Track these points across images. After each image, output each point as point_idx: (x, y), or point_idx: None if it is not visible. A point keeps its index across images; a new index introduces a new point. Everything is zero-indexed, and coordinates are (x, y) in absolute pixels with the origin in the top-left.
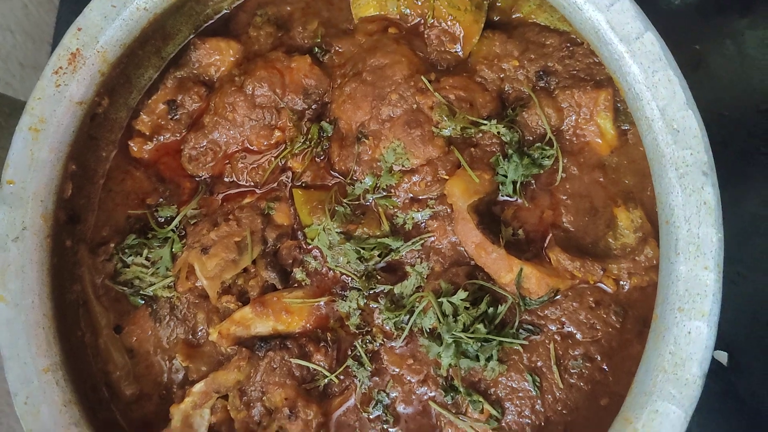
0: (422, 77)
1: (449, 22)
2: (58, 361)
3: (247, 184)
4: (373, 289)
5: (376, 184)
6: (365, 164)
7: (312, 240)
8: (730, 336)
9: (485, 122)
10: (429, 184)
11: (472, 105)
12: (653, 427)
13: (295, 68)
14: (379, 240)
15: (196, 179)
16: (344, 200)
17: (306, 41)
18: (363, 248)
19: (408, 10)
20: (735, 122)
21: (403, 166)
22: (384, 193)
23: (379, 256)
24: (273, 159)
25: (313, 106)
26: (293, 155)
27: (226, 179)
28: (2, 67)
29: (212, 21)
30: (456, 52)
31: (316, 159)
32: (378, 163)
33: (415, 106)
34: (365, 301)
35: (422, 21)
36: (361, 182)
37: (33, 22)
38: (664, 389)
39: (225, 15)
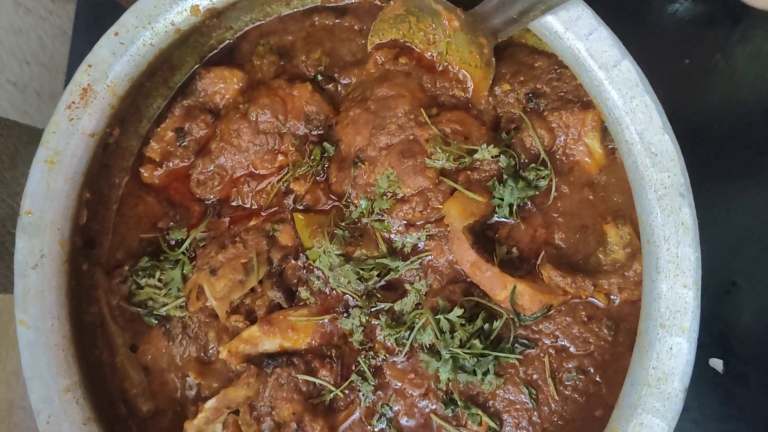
0: (422, 110)
1: (460, 72)
2: (78, 381)
3: (252, 208)
4: (374, 306)
5: (371, 207)
6: (360, 188)
7: (314, 261)
8: (727, 344)
9: (477, 148)
10: (422, 212)
11: (467, 138)
12: None
13: (296, 95)
14: (377, 261)
15: (205, 203)
16: (342, 223)
17: (309, 69)
18: (362, 269)
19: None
20: (727, 135)
21: (395, 193)
22: (379, 217)
23: (378, 275)
24: (276, 183)
25: (314, 132)
26: (295, 178)
27: (232, 203)
28: (20, 97)
29: (216, 51)
30: (463, 97)
31: (317, 178)
32: (372, 188)
33: (412, 137)
34: (367, 318)
35: (436, 63)
36: (356, 206)
37: (48, 53)
38: (648, 402)
39: (228, 45)
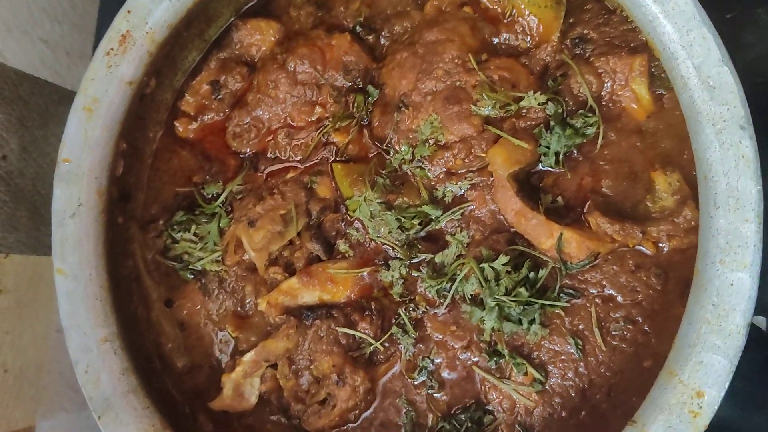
0: (470, 55)
1: (529, 18)
2: (115, 332)
3: (290, 160)
4: (414, 258)
5: (412, 154)
6: (402, 133)
7: (354, 211)
8: None
9: (524, 95)
10: (464, 159)
11: (515, 86)
12: (698, 377)
13: (335, 45)
14: (419, 209)
15: (241, 156)
16: (383, 171)
17: (348, 20)
18: (403, 217)
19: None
20: None
21: (437, 140)
22: (420, 164)
23: (419, 224)
24: (315, 135)
25: (353, 82)
26: (336, 130)
27: (269, 155)
28: (51, 56)
29: (252, 3)
30: (527, 44)
31: (362, 122)
32: (414, 134)
33: (458, 83)
34: (407, 270)
35: (502, 13)
36: (398, 152)
37: (78, 12)
38: (708, 340)
39: None
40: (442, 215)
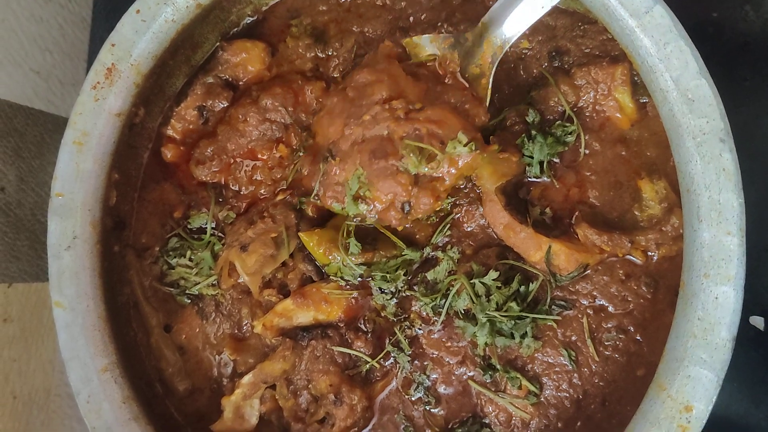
0: (400, 101)
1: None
2: (115, 360)
3: (259, 195)
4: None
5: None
6: (328, 187)
7: (335, 275)
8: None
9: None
10: (406, 215)
11: (443, 142)
12: (686, 391)
13: (310, 91)
14: (399, 258)
15: (205, 184)
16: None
17: (341, 59)
18: (387, 273)
19: None
20: (759, 89)
21: (365, 195)
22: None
23: (404, 274)
24: (292, 167)
25: None
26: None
27: (232, 188)
28: (44, 86)
29: (238, 28)
30: None
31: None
32: (341, 188)
33: (386, 132)
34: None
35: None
36: (329, 207)
37: (69, 41)
38: (694, 354)
39: (250, 22)
40: (426, 251)
